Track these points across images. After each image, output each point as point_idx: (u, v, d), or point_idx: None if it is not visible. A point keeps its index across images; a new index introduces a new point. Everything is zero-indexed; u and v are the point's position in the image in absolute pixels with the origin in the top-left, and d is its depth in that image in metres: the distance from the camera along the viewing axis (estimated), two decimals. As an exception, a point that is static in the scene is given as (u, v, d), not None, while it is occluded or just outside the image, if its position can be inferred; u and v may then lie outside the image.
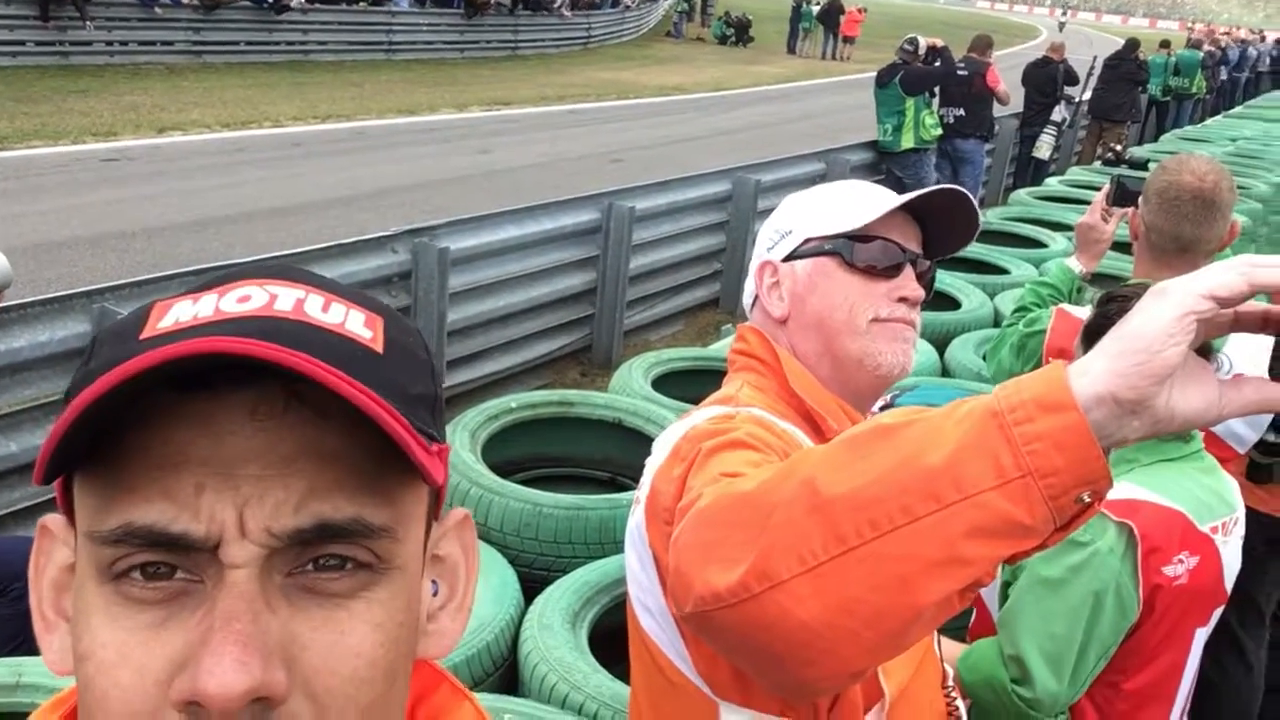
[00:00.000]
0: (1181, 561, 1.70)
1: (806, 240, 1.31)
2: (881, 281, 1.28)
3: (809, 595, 0.77)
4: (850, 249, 1.28)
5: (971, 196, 1.26)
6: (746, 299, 1.41)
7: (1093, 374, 0.70)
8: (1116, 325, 0.72)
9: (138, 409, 0.50)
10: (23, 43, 14.13)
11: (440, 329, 4.90)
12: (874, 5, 39.65)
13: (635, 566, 1.22)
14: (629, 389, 3.65)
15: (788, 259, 1.32)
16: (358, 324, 0.54)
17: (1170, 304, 0.69)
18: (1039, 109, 10.78)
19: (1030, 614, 1.68)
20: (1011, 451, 0.71)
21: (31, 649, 2.82)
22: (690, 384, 3.94)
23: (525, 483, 3.20)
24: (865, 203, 1.29)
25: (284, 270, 0.56)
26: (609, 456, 3.51)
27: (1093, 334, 1.81)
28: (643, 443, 3.30)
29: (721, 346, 5.02)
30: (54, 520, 0.58)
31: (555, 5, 23.32)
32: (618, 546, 2.76)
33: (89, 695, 0.50)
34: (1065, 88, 10.84)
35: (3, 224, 7.40)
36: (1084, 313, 2.53)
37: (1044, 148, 10.61)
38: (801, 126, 15.52)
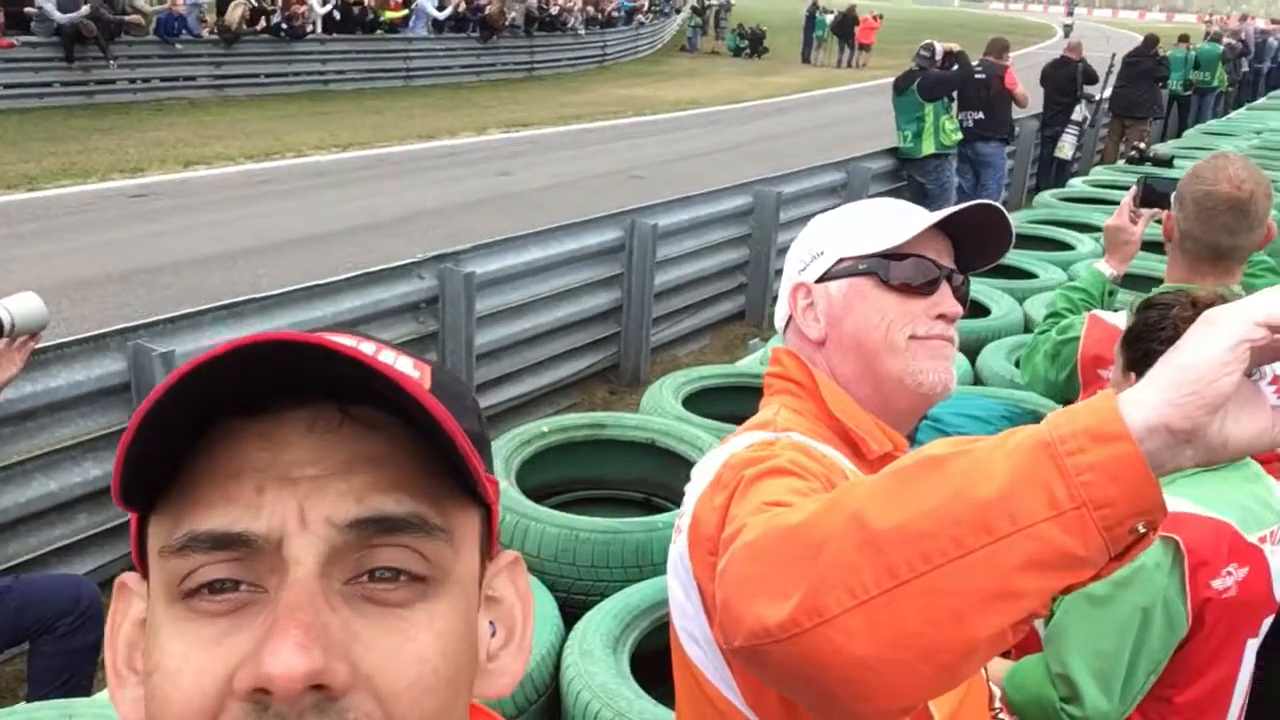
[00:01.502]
0: (1230, 574, 1.67)
1: (840, 260, 1.31)
2: (918, 299, 1.27)
3: (861, 630, 0.76)
4: (885, 268, 1.27)
5: (1004, 210, 1.26)
6: (779, 321, 1.41)
7: (1145, 404, 0.70)
8: (1167, 354, 0.71)
9: (202, 437, 0.52)
10: (49, 84, 14.42)
11: (469, 353, 4.93)
12: (888, 12, 39.61)
13: (679, 595, 1.22)
14: (660, 409, 3.64)
15: (821, 280, 1.32)
16: (407, 366, 0.57)
17: (1223, 332, 0.69)
18: (1059, 109, 10.75)
19: (1077, 631, 1.66)
20: (1065, 483, 0.70)
21: (79, 685, 2.83)
22: (721, 401, 3.93)
23: (559, 506, 3.20)
24: (897, 221, 1.29)
25: (332, 330, 0.59)
26: (643, 477, 3.50)
27: (1132, 340, 1.79)
28: (676, 462, 3.29)
29: (750, 362, 5.00)
30: (130, 576, 0.60)
31: (570, 25, 23.46)
32: (655, 569, 2.74)
33: (154, 705, 0.52)
34: (1085, 86, 10.81)
35: (34, 263, 7.51)
36: (1117, 318, 2.50)
37: (1066, 148, 10.58)
38: (819, 136, 15.51)
